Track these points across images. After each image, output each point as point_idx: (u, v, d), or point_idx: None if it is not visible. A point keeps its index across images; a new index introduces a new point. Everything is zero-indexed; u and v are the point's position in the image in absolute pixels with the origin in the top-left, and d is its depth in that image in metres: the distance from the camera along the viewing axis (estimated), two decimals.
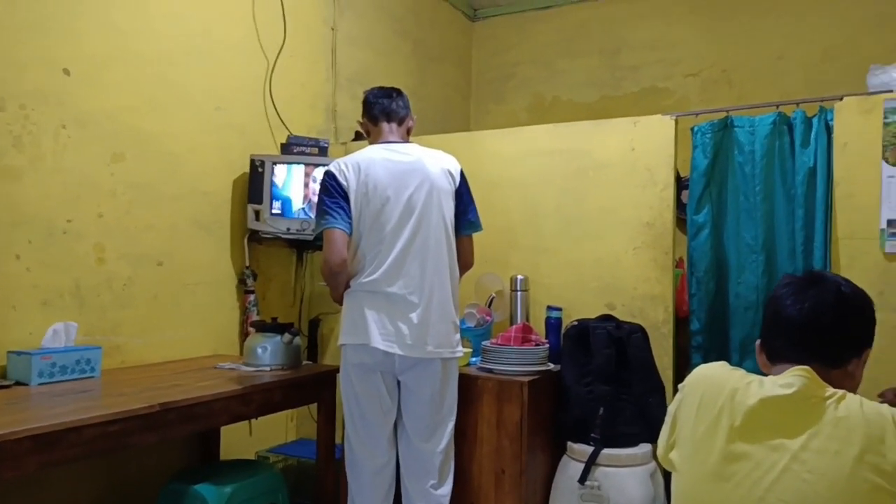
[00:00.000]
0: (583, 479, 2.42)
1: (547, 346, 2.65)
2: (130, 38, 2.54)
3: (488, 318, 2.90)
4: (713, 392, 1.29)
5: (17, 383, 2.08)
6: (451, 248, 2.34)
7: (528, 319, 2.87)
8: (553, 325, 2.81)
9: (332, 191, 2.29)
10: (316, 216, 2.36)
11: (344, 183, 2.29)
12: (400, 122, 2.43)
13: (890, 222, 2.33)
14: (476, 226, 2.44)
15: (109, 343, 2.45)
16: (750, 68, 3.92)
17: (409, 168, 2.30)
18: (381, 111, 2.41)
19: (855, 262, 2.40)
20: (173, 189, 2.72)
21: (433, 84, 4.40)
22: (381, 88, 2.48)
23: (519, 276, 2.92)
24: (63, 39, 2.33)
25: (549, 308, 2.84)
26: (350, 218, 2.28)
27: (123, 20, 2.52)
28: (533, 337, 2.62)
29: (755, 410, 1.20)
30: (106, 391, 2.09)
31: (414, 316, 2.22)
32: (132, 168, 2.56)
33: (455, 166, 2.40)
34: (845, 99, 2.48)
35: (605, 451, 2.45)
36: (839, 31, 3.72)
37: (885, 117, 2.36)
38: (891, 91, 2.42)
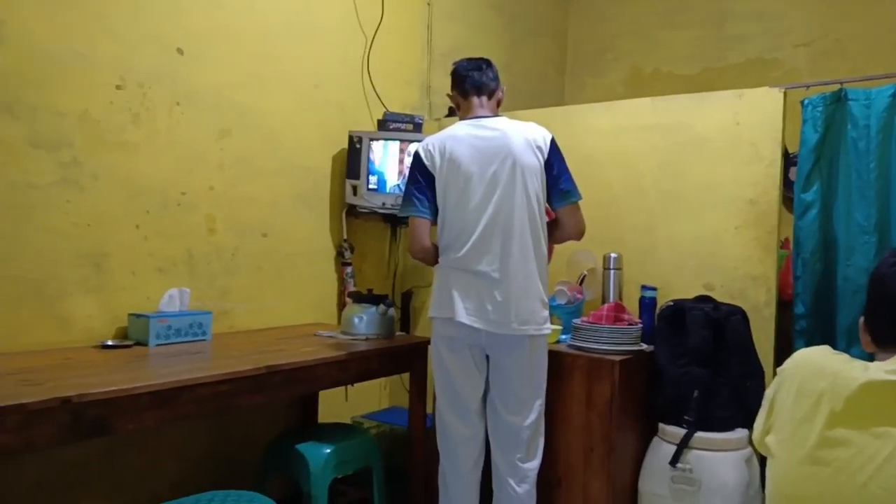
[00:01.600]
0: (674, 462, 2.39)
1: (640, 326, 2.61)
2: (234, 16, 2.65)
3: (579, 295, 2.88)
4: (813, 377, 1.26)
5: (137, 343, 2.24)
6: (537, 224, 2.31)
7: (620, 298, 2.83)
8: (647, 304, 2.75)
9: (418, 175, 2.34)
10: (402, 199, 2.41)
11: (429, 164, 2.32)
12: (490, 96, 2.41)
13: None
14: (573, 194, 2.35)
15: (218, 308, 2.60)
16: (866, 38, 3.66)
17: (493, 144, 2.28)
18: (472, 85, 2.40)
19: None
20: (275, 164, 2.83)
21: (528, 58, 4.35)
22: (469, 60, 2.46)
23: (612, 254, 2.88)
24: (173, 19, 2.46)
25: (644, 287, 2.79)
26: (434, 203, 2.33)
27: None
28: (625, 316, 2.58)
29: (858, 396, 1.17)
30: (216, 353, 2.22)
31: (498, 293, 2.24)
32: (237, 143, 2.68)
33: (544, 137, 2.34)
34: None
35: (699, 434, 2.40)
36: None
37: None
38: None
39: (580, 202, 2.37)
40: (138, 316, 2.28)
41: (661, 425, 2.52)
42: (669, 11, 4.33)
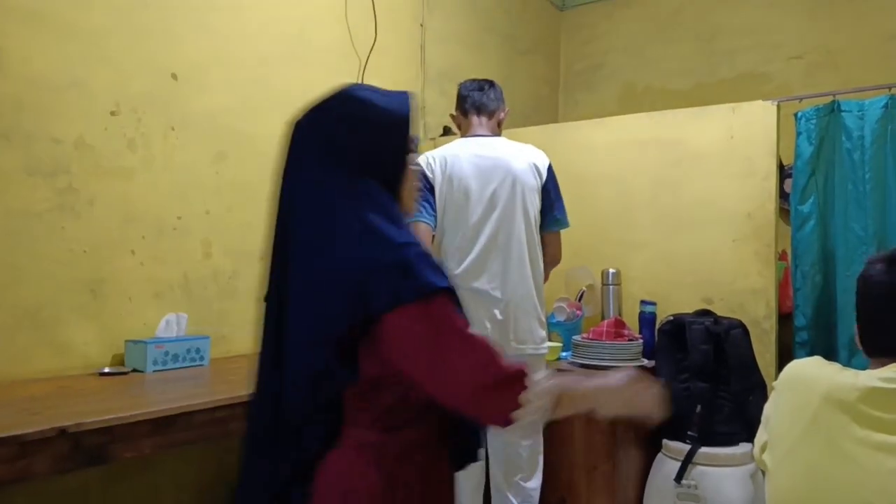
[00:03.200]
0: (679, 478, 2.37)
1: (640, 341, 2.60)
2: (228, 42, 2.66)
3: (578, 312, 2.87)
4: (807, 390, 1.23)
5: (134, 370, 2.22)
6: (534, 243, 2.33)
7: (620, 314, 2.82)
8: (647, 319, 2.75)
9: (420, 183, 2.33)
10: None
11: (430, 175, 2.33)
12: (490, 116, 2.43)
13: None
14: (562, 223, 2.41)
15: (216, 333, 2.58)
16: (858, 50, 3.69)
17: (493, 163, 2.30)
18: (472, 104, 2.43)
19: None
20: (268, 188, 2.82)
21: (522, 77, 4.38)
22: (473, 81, 2.50)
23: (610, 270, 2.88)
24: (168, 45, 2.46)
25: (643, 302, 2.79)
26: (435, 211, 2.32)
27: (221, 24, 2.64)
28: (625, 332, 2.58)
29: (854, 406, 1.14)
30: (214, 378, 2.20)
31: (497, 311, 2.24)
32: (233, 167, 2.68)
33: (542, 161, 2.38)
34: None
35: (703, 449, 2.39)
36: None
37: None
38: None
39: (561, 231, 2.43)
40: (135, 342, 2.26)
41: (664, 441, 2.50)
42: (660, 27, 4.37)
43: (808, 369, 1.29)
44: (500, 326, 2.22)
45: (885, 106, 2.52)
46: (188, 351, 2.32)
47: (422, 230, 2.31)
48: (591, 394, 1.09)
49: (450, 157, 2.33)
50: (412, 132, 1.21)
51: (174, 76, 2.48)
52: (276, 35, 2.84)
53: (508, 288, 2.25)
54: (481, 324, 2.24)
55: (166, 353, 2.25)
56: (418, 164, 2.24)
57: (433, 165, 2.33)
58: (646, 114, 3.02)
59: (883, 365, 1.19)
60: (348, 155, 1.14)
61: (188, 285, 2.52)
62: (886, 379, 1.14)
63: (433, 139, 3.41)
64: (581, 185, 2.96)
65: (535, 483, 2.33)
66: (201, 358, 2.35)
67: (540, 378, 1.04)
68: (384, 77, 3.34)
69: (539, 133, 3.04)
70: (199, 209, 2.57)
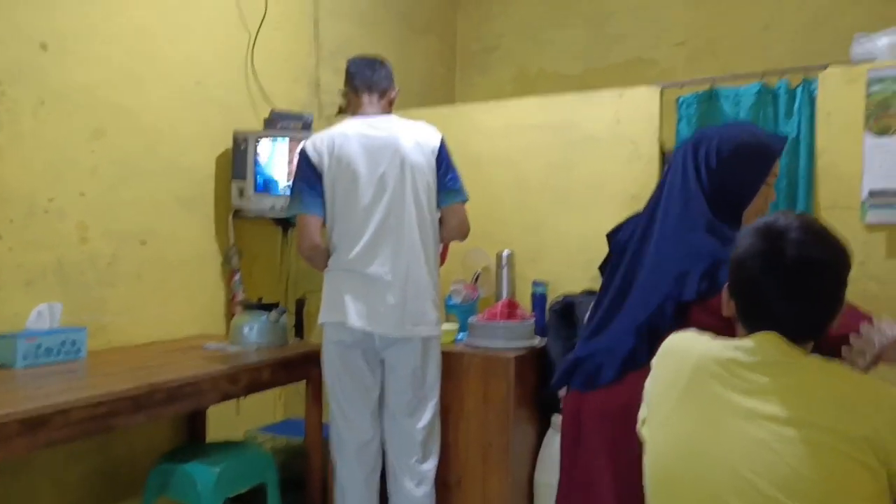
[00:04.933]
0: None
1: (532, 320, 2.67)
2: (105, 10, 2.48)
3: (474, 293, 2.91)
4: (679, 362, 1.25)
5: (2, 366, 2.06)
6: (427, 225, 2.30)
7: (514, 295, 2.88)
8: (538, 299, 2.82)
9: (305, 171, 2.28)
10: (290, 196, 2.35)
11: (316, 161, 2.27)
12: (381, 95, 2.38)
13: (872, 192, 2.35)
14: (458, 193, 2.36)
15: (95, 323, 2.43)
16: (735, 38, 3.89)
17: (382, 143, 2.26)
18: (362, 82, 2.37)
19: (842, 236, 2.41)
20: (154, 166, 2.68)
21: (417, 56, 4.35)
22: (363, 58, 2.44)
23: (505, 252, 2.93)
24: (36, 13, 2.27)
25: (535, 283, 2.85)
26: (323, 199, 2.27)
27: None
28: (518, 312, 2.63)
29: (720, 374, 1.17)
30: (92, 372, 2.08)
31: (390, 295, 2.22)
32: (113, 145, 2.52)
33: (433, 138, 2.34)
34: (829, 69, 2.48)
35: None
36: (821, 2, 3.69)
37: (869, 87, 2.36)
38: (875, 60, 2.42)
39: (466, 203, 2.38)
40: (3, 336, 2.10)
41: (554, 417, 2.58)
42: (553, 11, 4.44)
43: (682, 341, 1.31)
44: (394, 310, 2.22)
45: (758, 93, 2.67)
46: (63, 344, 2.18)
47: (309, 223, 2.26)
48: None
49: (338, 138, 2.28)
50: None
51: (44, 46, 2.29)
52: (157, 3, 2.68)
53: (401, 271, 2.23)
54: (375, 308, 2.22)
55: (38, 347, 2.11)
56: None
57: (321, 150, 2.27)
58: (538, 98, 3.07)
59: (746, 335, 1.21)
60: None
61: (63, 272, 2.36)
62: (748, 350, 1.16)
63: (328, 117, 3.34)
64: (476, 167, 2.98)
65: (430, 465, 2.35)
66: (77, 351, 2.22)
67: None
68: (275, 52, 3.23)
69: (434, 114, 3.03)
70: (74, 189, 2.40)
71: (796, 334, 1.18)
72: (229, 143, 2.94)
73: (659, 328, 1.53)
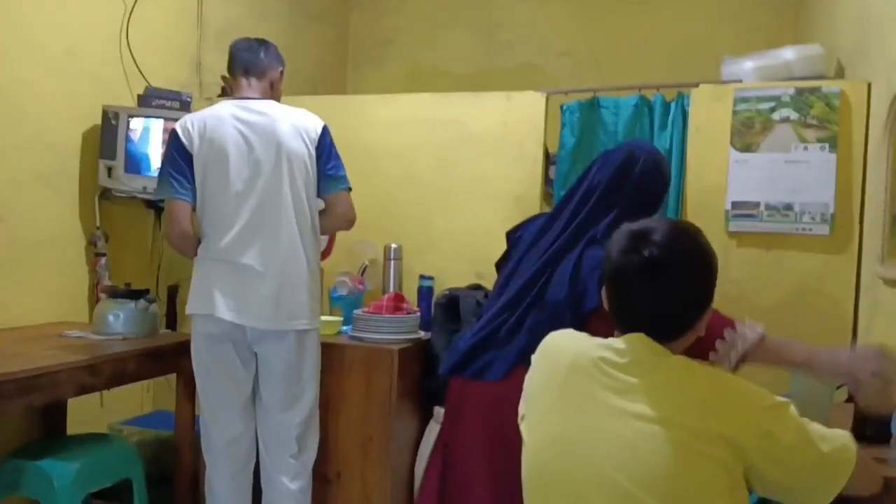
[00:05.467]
0: None
1: (418, 314, 2.67)
2: None
3: (361, 286, 2.88)
4: (556, 360, 1.27)
5: None
6: (305, 214, 2.22)
7: (401, 288, 2.88)
8: (424, 293, 2.83)
9: (175, 155, 2.16)
10: (158, 180, 2.23)
11: (187, 143, 2.16)
12: (260, 77, 2.27)
13: (734, 204, 2.53)
14: (341, 181, 2.27)
15: None
16: (617, 52, 4.09)
17: (258, 129, 2.17)
18: (240, 65, 2.28)
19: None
20: (14, 139, 2.45)
21: (308, 43, 4.24)
22: (245, 40, 2.33)
23: (393, 245, 2.92)
24: None
25: (422, 277, 2.86)
26: (193, 184, 2.16)
27: None
28: (404, 305, 2.63)
29: (589, 372, 1.18)
30: None
31: (263, 287, 2.13)
32: None
33: (314, 125, 2.25)
34: (701, 86, 2.65)
35: None
36: (698, 24, 3.96)
37: (735, 105, 2.54)
38: (741, 81, 2.62)
39: (349, 191, 2.30)
40: None
41: (435, 409, 2.60)
42: (447, 12, 4.48)
43: (559, 340, 1.33)
44: (267, 302, 2.13)
45: (636, 105, 2.81)
46: None
47: (178, 209, 2.15)
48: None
49: (210, 120, 2.17)
50: None
51: None
52: None
53: (275, 262, 2.15)
54: (246, 300, 2.13)
55: None
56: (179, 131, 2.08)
57: (191, 132, 2.16)
58: (429, 94, 3.09)
59: (619, 336, 1.23)
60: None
61: None
62: (618, 350, 1.19)
63: (209, 99, 3.18)
64: (367, 159, 2.94)
65: (306, 459, 2.29)
66: None
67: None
68: (153, 28, 3.05)
69: (326, 104, 2.97)
70: None
71: (663, 332, 1.20)
72: (98, 120, 2.74)
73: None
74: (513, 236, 2.04)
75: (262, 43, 2.33)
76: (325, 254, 2.56)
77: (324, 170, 2.25)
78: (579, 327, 1.51)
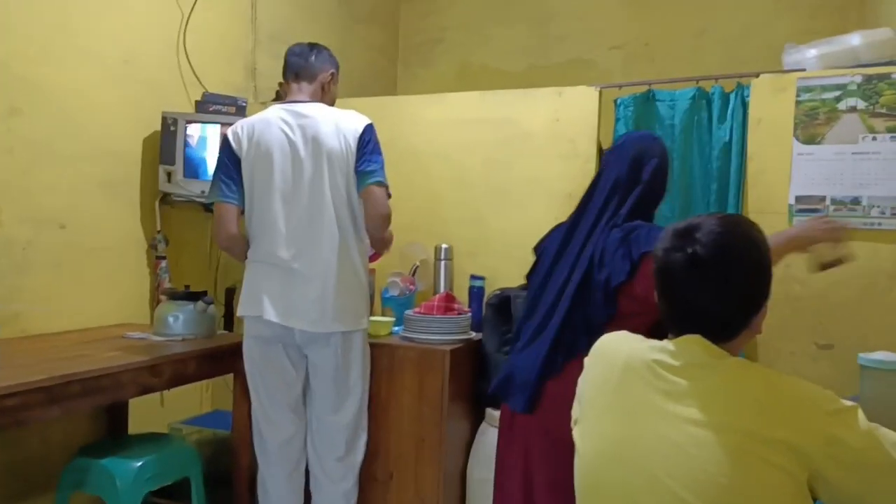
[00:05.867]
0: None
1: (469, 314, 2.66)
2: None
3: (412, 287, 2.88)
4: (609, 363, 1.23)
5: None
6: (348, 214, 2.21)
7: (451, 289, 2.87)
8: (476, 294, 2.81)
9: (225, 158, 2.22)
10: (210, 184, 2.28)
11: (236, 148, 2.20)
12: (311, 80, 2.29)
13: (798, 198, 2.43)
14: (371, 175, 2.18)
15: (8, 311, 2.29)
16: (671, 43, 3.99)
17: (302, 130, 2.18)
18: (291, 70, 2.31)
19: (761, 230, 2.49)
20: (76, 148, 2.54)
21: (358, 45, 4.27)
22: (299, 45, 2.36)
23: (443, 246, 2.91)
24: None
25: (473, 277, 2.85)
26: (241, 188, 2.20)
27: None
28: (455, 306, 2.62)
29: (644, 376, 1.15)
30: (2, 363, 1.95)
31: (310, 289, 2.15)
32: (29, 124, 2.37)
33: (357, 124, 2.21)
34: (761, 76, 2.55)
35: None
36: (757, 10, 3.82)
37: (798, 95, 2.44)
38: (804, 70, 2.51)
39: (382, 186, 2.21)
40: None
41: (488, 411, 2.58)
42: (497, 8, 4.45)
43: (612, 342, 1.29)
44: (314, 304, 2.15)
45: (693, 97, 2.73)
46: None
47: (225, 212, 2.20)
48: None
49: (258, 125, 2.20)
50: None
51: None
52: None
53: (320, 264, 2.15)
54: (293, 302, 2.14)
55: None
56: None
57: (240, 136, 2.21)
58: (479, 92, 3.06)
59: (674, 337, 1.20)
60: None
61: None
62: (672, 353, 1.15)
63: (264, 103, 3.24)
64: (416, 160, 2.94)
65: (354, 460, 2.30)
66: None
67: None
68: (209, 34, 3.11)
69: (374, 105, 2.99)
70: None
71: (714, 331, 1.16)
72: (157, 125, 2.81)
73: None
74: (538, 249, 2.06)
75: (313, 47, 2.35)
76: (373, 257, 2.54)
77: (359, 165, 2.21)
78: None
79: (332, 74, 2.36)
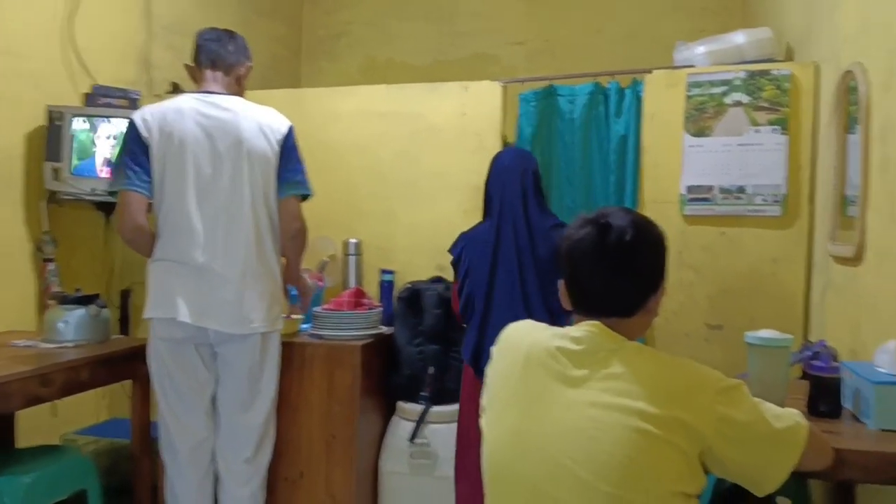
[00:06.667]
0: (413, 437, 2.47)
1: (380, 309, 2.64)
2: None
3: (320, 283, 2.83)
4: (513, 353, 1.25)
5: None
6: (266, 215, 2.17)
7: (361, 284, 2.84)
8: (386, 288, 2.81)
9: (133, 146, 2.08)
10: (113, 171, 2.14)
11: (145, 134, 2.08)
12: (227, 71, 2.20)
13: (689, 188, 2.55)
14: (299, 186, 2.20)
15: None
16: (571, 40, 4.11)
17: (221, 125, 2.10)
18: (207, 56, 2.20)
19: (659, 224, 2.60)
20: None
21: (260, 38, 4.15)
22: (213, 30, 2.25)
23: (352, 240, 2.88)
24: None
25: (383, 271, 2.84)
26: (150, 177, 2.08)
27: None
28: (365, 301, 2.60)
29: (546, 363, 1.18)
30: None
31: (225, 290, 2.08)
32: None
33: (280, 125, 2.19)
34: (654, 72, 2.66)
35: (435, 408, 2.51)
36: (651, 9, 3.99)
37: (688, 90, 2.56)
38: (693, 66, 2.63)
39: (301, 199, 2.22)
40: None
41: (399, 404, 2.59)
42: (401, 4, 4.45)
43: (517, 332, 1.32)
44: (230, 305, 2.09)
45: (591, 92, 2.82)
46: None
47: (132, 201, 2.06)
48: None
49: (170, 114, 2.10)
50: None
51: None
52: None
53: (237, 264, 2.09)
54: (209, 303, 2.08)
55: None
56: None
57: (150, 124, 2.08)
58: (386, 86, 3.05)
59: (581, 320, 1.23)
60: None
61: None
62: (575, 339, 1.19)
63: (158, 96, 3.10)
64: (325, 153, 2.90)
65: (261, 461, 2.26)
66: None
67: None
68: (98, 25, 2.95)
69: (283, 97, 2.92)
70: None
71: (614, 310, 1.22)
72: (42, 120, 2.64)
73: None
74: (456, 252, 2.36)
75: (231, 35, 2.25)
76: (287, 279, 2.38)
77: (283, 171, 2.18)
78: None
79: (249, 68, 2.29)
